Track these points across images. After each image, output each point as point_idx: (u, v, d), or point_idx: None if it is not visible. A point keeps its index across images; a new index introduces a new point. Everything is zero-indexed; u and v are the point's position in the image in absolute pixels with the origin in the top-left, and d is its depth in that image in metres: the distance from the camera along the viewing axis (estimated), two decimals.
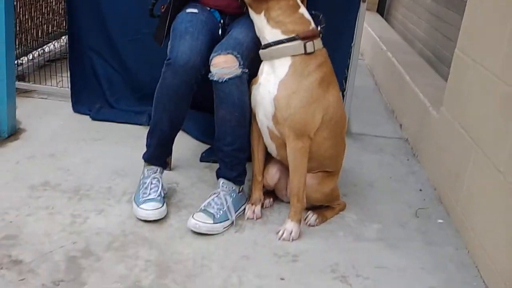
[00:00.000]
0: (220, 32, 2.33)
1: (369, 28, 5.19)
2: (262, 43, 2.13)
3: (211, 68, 2.11)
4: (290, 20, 2.07)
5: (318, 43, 2.10)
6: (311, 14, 2.14)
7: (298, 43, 2.05)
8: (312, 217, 2.26)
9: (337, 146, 2.26)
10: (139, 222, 2.14)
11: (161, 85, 2.15)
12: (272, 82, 2.08)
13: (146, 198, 2.18)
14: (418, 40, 4.48)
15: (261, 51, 2.14)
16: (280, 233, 2.13)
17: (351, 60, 3.06)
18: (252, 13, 2.13)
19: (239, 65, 2.10)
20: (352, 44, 3.02)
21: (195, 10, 2.30)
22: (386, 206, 2.46)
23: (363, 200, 2.49)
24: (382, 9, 6.15)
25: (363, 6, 2.95)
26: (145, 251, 1.98)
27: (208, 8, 2.37)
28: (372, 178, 2.71)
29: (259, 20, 2.11)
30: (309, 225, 2.24)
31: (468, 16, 2.53)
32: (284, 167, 2.28)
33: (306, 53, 2.05)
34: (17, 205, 2.17)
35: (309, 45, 2.06)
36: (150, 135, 2.29)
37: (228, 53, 2.10)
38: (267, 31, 2.09)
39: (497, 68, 2.11)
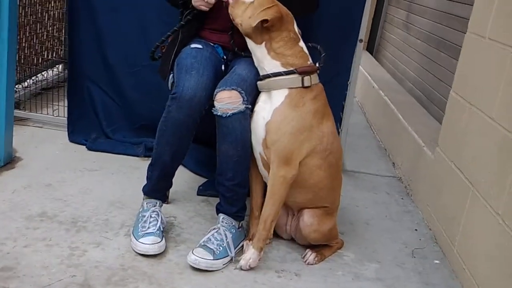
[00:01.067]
0: (223, 67, 2.36)
1: (360, 66, 5.26)
2: (261, 74, 2.17)
3: (215, 103, 2.13)
4: (291, 53, 2.11)
5: (315, 78, 2.15)
6: (308, 47, 2.19)
7: (296, 76, 2.10)
8: (310, 256, 2.26)
9: (333, 178, 2.26)
10: (138, 256, 2.13)
11: (166, 118, 2.16)
12: (267, 110, 2.12)
13: (145, 232, 2.17)
14: (408, 80, 4.57)
15: (259, 83, 2.17)
16: (240, 261, 2.13)
17: (347, 98, 3.10)
18: (251, 43, 2.16)
19: (243, 101, 2.12)
20: (348, 82, 3.07)
21: (200, 46, 2.34)
22: (383, 245, 2.47)
23: (360, 239, 2.50)
24: (371, 48, 6.27)
25: (359, 45, 3.01)
26: (144, 286, 1.96)
27: (212, 44, 2.41)
28: (368, 216, 2.73)
29: (259, 51, 2.14)
30: (308, 264, 2.24)
31: (464, 59, 2.60)
32: (284, 204, 2.29)
33: (303, 87, 2.10)
34: (14, 236, 2.15)
35: (307, 79, 2.11)
36: (151, 168, 2.29)
37: (232, 89, 2.13)
38: (266, 62, 2.13)
39: (493, 112, 2.16)
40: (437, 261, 2.39)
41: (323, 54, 2.21)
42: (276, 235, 2.38)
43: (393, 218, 2.75)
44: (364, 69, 5.20)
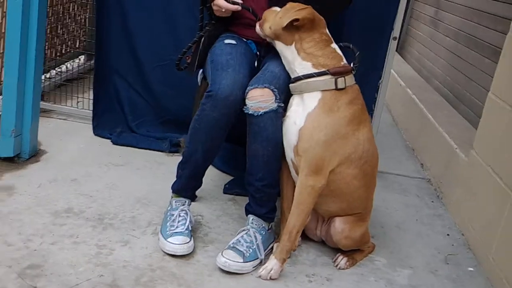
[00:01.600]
0: (256, 63, 2.30)
1: None
2: (292, 76, 2.09)
3: (247, 101, 2.07)
4: (322, 53, 2.04)
5: (349, 79, 2.06)
6: (340, 47, 2.11)
7: (329, 78, 2.02)
8: (342, 260, 2.19)
9: (368, 187, 2.19)
10: (166, 256, 2.08)
11: (200, 116, 2.10)
12: (300, 114, 2.04)
13: (174, 231, 2.12)
14: (435, 78, 4.47)
15: (291, 85, 2.10)
16: (260, 270, 2.05)
17: (378, 98, 3.03)
18: (280, 45, 2.10)
19: (276, 99, 2.06)
20: (380, 81, 2.99)
21: (234, 42, 2.27)
22: (415, 250, 2.40)
23: (392, 243, 2.43)
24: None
25: (393, 43, 2.93)
26: None
27: (245, 39, 2.35)
28: (399, 219, 2.66)
29: (289, 52, 2.08)
30: (339, 268, 2.18)
31: (506, 60, 2.50)
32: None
33: (337, 89, 2.02)
34: (41, 232, 2.11)
35: (340, 81, 2.02)
36: (182, 166, 2.24)
37: (265, 87, 2.06)
38: (297, 63, 2.06)
39: None
40: (471, 269, 2.32)
41: (357, 53, 2.12)
42: (306, 237, 2.33)
43: (424, 222, 2.67)
44: None
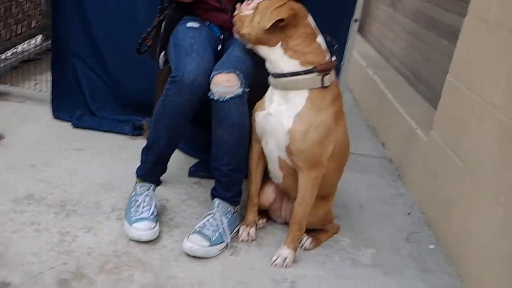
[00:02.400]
0: (220, 47, 2.27)
1: None
2: (273, 71, 2.03)
3: (212, 87, 2.04)
4: (309, 50, 1.97)
5: (333, 76, 2.03)
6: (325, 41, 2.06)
7: (316, 76, 1.97)
8: (307, 240, 2.22)
9: (339, 175, 2.25)
10: (131, 242, 2.06)
11: (164, 102, 2.07)
12: (285, 114, 1.99)
13: (139, 217, 2.10)
14: (395, 57, 4.52)
15: (272, 80, 2.05)
16: (274, 258, 2.08)
17: (340, 78, 3.04)
18: (263, 49, 2.02)
19: (241, 84, 2.04)
20: (342, 63, 3.01)
21: (196, 25, 2.24)
22: (378, 229, 2.45)
23: (355, 223, 2.47)
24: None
25: (354, 25, 2.94)
26: (139, 275, 1.89)
27: (207, 23, 2.32)
28: (361, 199, 2.71)
29: (273, 53, 2.00)
30: (304, 249, 2.21)
31: (463, 43, 2.55)
32: (280, 189, 2.24)
33: (323, 87, 1.99)
34: (1, 220, 2.06)
35: (327, 78, 1.99)
36: (146, 151, 2.21)
37: (230, 72, 2.04)
38: (283, 61, 1.98)
39: (496, 99, 2.13)
40: (432, 246, 2.38)
41: (335, 46, 2.08)
42: (271, 219, 2.34)
43: (386, 202, 2.73)
44: None
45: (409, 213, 2.64)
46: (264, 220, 2.33)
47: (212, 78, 2.04)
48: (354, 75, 4.77)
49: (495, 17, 2.24)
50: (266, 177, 2.26)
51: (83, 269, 1.87)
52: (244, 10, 2.08)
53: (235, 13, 2.12)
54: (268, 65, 2.04)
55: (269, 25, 1.93)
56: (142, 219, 2.09)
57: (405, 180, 2.97)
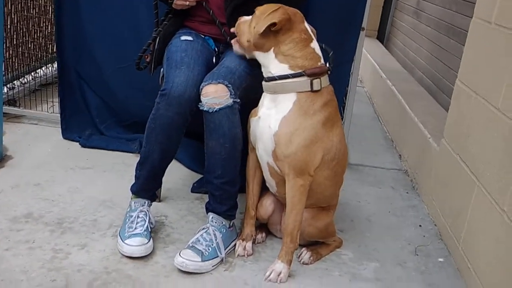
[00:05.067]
0: (214, 60, 2.25)
1: (369, 55, 5.14)
2: (265, 75, 2.02)
3: (202, 98, 2.02)
4: (300, 54, 1.95)
5: (325, 80, 1.99)
6: (320, 48, 2.03)
7: (304, 79, 1.94)
8: (306, 254, 2.15)
9: (337, 185, 2.17)
10: (123, 258, 2.04)
11: (154, 116, 2.06)
12: (273, 117, 1.97)
13: (132, 233, 2.08)
14: (418, 68, 4.41)
15: (264, 83, 2.03)
16: (268, 273, 2.01)
17: (349, 88, 2.98)
18: (258, 55, 2.01)
19: (230, 94, 2.01)
20: (351, 72, 2.94)
21: (190, 38, 2.23)
22: (385, 243, 2.35)
23: (361, 236, 2.38)
24: (382, 36, 6.11)
25: (362, 34, 2.87)
26: None
27: (202, 36, 2.31)
28: (370, 212, 2.61)
29: (264, 57, 2.00)
30: (303, 263, 2.13)
31: (470, 46, 2.45)
32: (279, 200, 2.19)
33: (312, 91, 1.95)
34: None
35: (316, 82, 1.95)
36: (140, 167, 2.19)
37: (219, 83, 2.02)
38: (273, 65, 1.98)
39: (500, 103, 2.02)
40: (441, 259, 2.27)
41: (330, 53, 2.06)
42: (270, 233, 2.28)
43: (396, 214, 2.62)
44: (373, 58, 5.06)
45: (420, 225, 2.53)
46: (264, 234, 2.27)
47: (201, 89, 2.02)
48: (375, 88, 4.70)
49: (497, 18, 2.14)
50: (265, 188, 2.21)
51: (71, 286, 1.86)
52: (245, 17, 2.07)
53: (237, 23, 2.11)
54: (262, 70, 2.03)
55: (263, 29, 1.92)
56: (135, 234, 2.07)
57: (419, 192, 2.86)
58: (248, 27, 2.02)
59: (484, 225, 2.03)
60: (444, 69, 3.68)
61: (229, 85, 2.02)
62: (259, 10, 2.00)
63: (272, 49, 1.98)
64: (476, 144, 2.21)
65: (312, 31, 2.03)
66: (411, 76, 4.44)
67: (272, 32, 1.94)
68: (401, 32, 5.35)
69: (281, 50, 1.96)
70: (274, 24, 1.92)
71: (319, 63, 1.99)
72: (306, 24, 2.01)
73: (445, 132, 2.59)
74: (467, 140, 2.29)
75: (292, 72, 1.95)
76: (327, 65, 2.03)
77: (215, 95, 2.00)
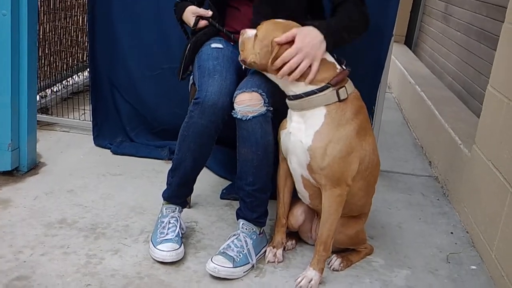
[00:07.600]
0: (243, 67, 2.27)
1: (397, 61, 5.11)
2: (288, 94, 1.99)
3: (235, 106, 2.03)
4: None
5: (349, 86, 1.96)
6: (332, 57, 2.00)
7: (330, 91, 1.91)
8: (336, 261, 2.15)
9: (369, 195, 2.16)
10: (155, 263, 2.06)
11: (188, 123, 2.08)
12: (304, 133, 1.95)
13: (164, 238, 2.10)
14: (448, 74, 4.37)
15: (289, 102, 2.00)
16: (299, 279, 2.01)
17: (378, 95, 2.96)
18: (270, 75, 2.00)
19: (264, 103, 2.02)
20: (381, 79, 2.92)
21: (220, 45, 2.25)
22: (416, 250, 2.33)
23: (391, 243, 2.36)
24: (410, 41, 6.07)
25: (391, 40, 2.86)
26: None
27: (232, 43, 2.33)
28: (401, 219, 2.59)
29: (279, 79, 1.96)
30: (333, 270, 2.13)
31: (502, 51, 2.43)
32: (310, 209, 2.19)
33: (340, 100, 1.93)
34: (32, 244, 2.11)
35: (342, 91, 1.92)
36: (172, 173, 2.22)
37: (253, 91, 2.02)
38: (292, 86, 1.95)
39: None
40: (474, 267, 2.24)
41: (343, 63, 2.00)
42: (300, 239, 2.28)
43: (427, 221, 2.60)
44: (402, 64, 5.02)
45: (451, 233, 2.50)
46: (294, 241, 2.27)
47: (235, 97, 2.04)
48: (403, 94, 4.67)
49: None
50: (296, 197, 2.21)
51: None
52: (248, 32, 2.04)
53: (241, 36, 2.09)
54: (281, 88, 2.01)
55: (265, 62, 1.93)
56: (166, 240, 2.09)
57: (450, 199, 2.82)
58: (252, 47, 1.99)
59: None
60: (475, 74, 3.64)
61: (263, 93, 2.02)
62: (261, 31, 1.96)
63: None
64: (509, 150, 2.18)
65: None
66: (440, 82, 4.40)
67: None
68: (430, 37, 5.31)
69: None
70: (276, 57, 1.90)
71: (337, 70, 1.96)
72: None
73: (476, 138, 2.57)
74: (500, 146, 2.26)
75: (316, 87, 1.92)
76: (344, 67, 1.98)
77: (249, 103, 2.01)
